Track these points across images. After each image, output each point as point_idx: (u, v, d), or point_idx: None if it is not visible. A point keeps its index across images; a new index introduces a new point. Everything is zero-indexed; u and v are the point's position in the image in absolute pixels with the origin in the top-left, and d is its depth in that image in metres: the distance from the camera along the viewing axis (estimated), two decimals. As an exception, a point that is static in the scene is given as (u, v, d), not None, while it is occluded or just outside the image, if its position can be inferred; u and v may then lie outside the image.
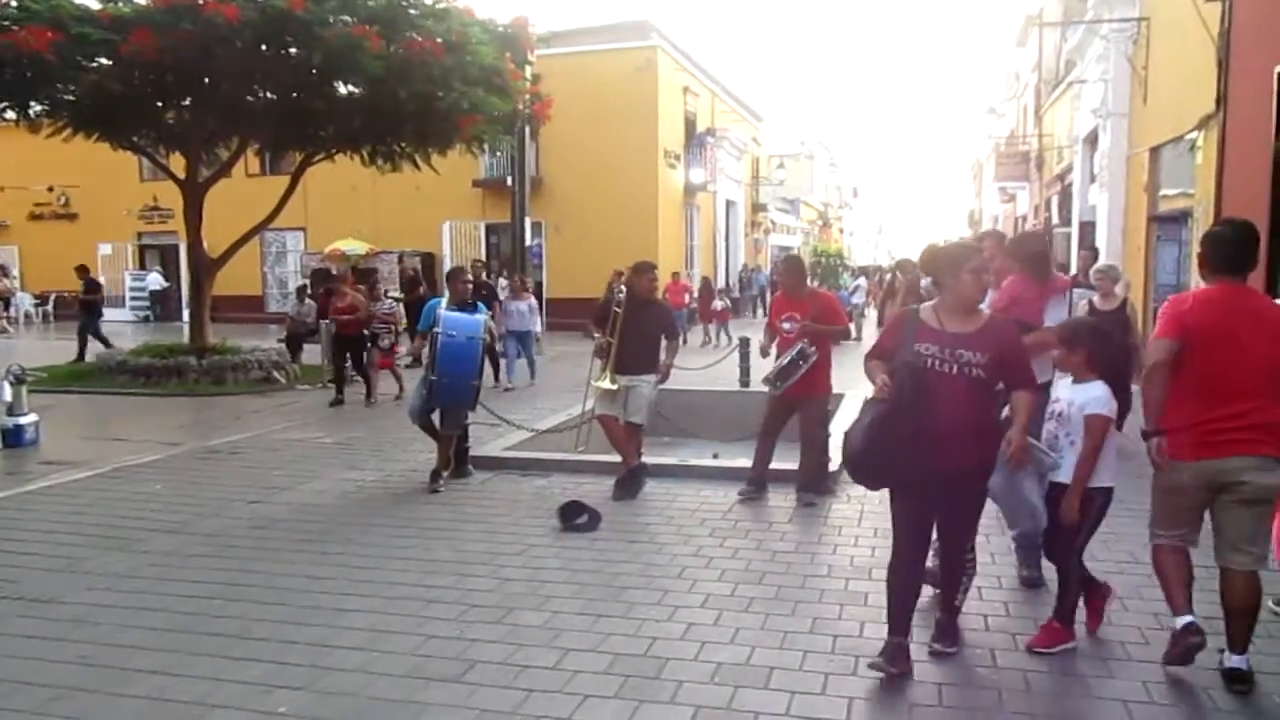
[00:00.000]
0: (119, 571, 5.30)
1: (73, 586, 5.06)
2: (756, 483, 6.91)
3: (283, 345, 15.03)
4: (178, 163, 14.75)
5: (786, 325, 6.69)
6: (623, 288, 7.32)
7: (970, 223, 58.35)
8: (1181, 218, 12.10)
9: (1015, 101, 32.60)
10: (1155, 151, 13.23)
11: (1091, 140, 16.89)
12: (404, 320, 17.79)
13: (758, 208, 36.86)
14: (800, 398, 6.71)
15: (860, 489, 6.73)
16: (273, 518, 6.45)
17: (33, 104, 13.18)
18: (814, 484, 6.79)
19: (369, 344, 12.09)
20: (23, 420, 9.11)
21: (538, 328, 14.29)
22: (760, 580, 5.16)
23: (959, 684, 3.87)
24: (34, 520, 6.42)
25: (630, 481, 7.06)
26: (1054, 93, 23.47)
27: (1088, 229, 16.92)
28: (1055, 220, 22.68)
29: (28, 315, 27.71)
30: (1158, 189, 13.29)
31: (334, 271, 23.98)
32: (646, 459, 7.36)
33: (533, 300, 13.90)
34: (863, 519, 6.35)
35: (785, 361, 6.64)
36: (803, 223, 46.98)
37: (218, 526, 6.22)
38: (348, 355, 12.01)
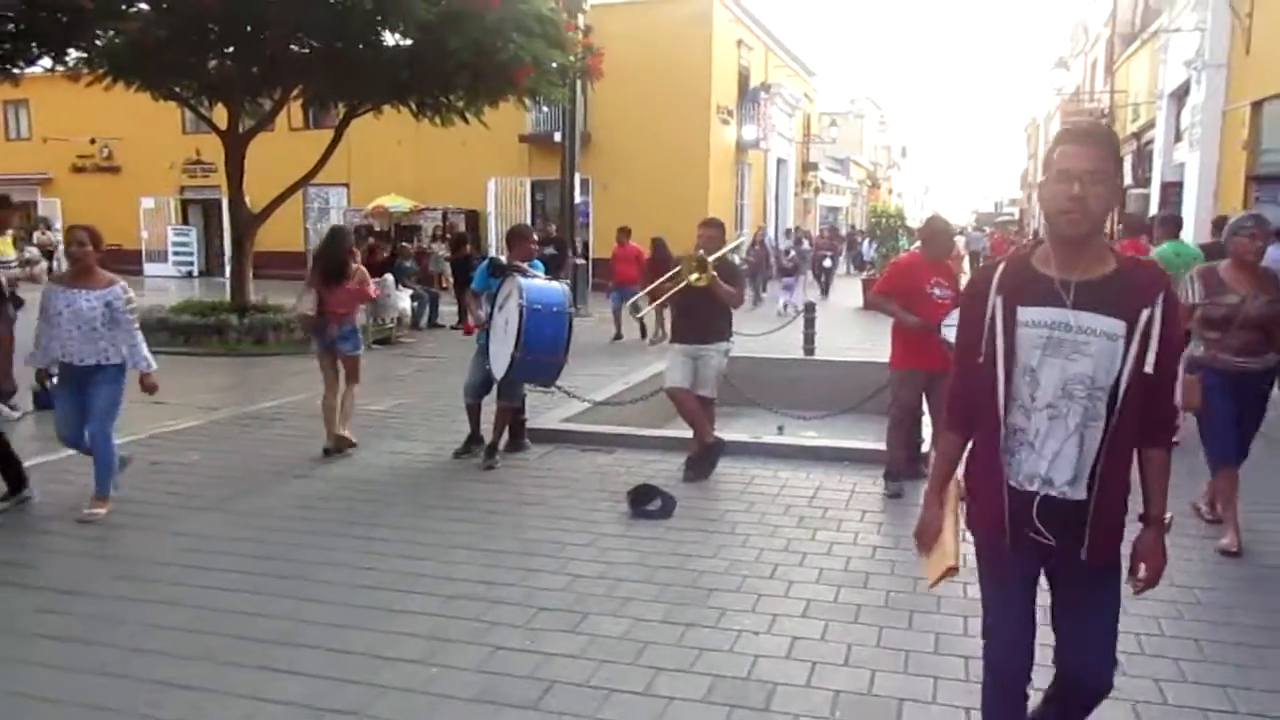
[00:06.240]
0: (149, 557, 4.81)
1: (98, 575, 4.56)
2: (904, 477, 6.15)
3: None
4: (220, 114, 14.27)
5: (938, 291, 5.96)
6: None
7: (1023, 184, 56.69)
8: (1291, 178, 11.16)
9: (1083, 57, 31.14)
10: (1258, 105, 12.23)
11: (1179, 95, 15.81)
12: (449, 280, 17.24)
13: (808, 167, 35.80)
14: (939, 372, 5.97)
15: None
16: (318, 495, 5.94)
17: (70, 51, 12.71)
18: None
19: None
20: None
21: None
22: (865, 584, 4.54)
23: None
24: (59, 496, 5.84)
25: (703, 460, 6.46)
26: (1131, 45, 22.20)
27: (1172, 189, 15.89)
28: (1129, 181, 21.53)
29: (72, 269, 27.60)
30: (1260, 147, 12.29)
31: (377, 228, 23.56)
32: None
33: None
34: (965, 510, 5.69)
35: None
36: (852, 182, 45.84)
37: (259, 505, 5.71)
38: None
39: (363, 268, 7.21)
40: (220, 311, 13.36)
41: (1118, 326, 2.23)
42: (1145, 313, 2.22)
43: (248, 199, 14.24)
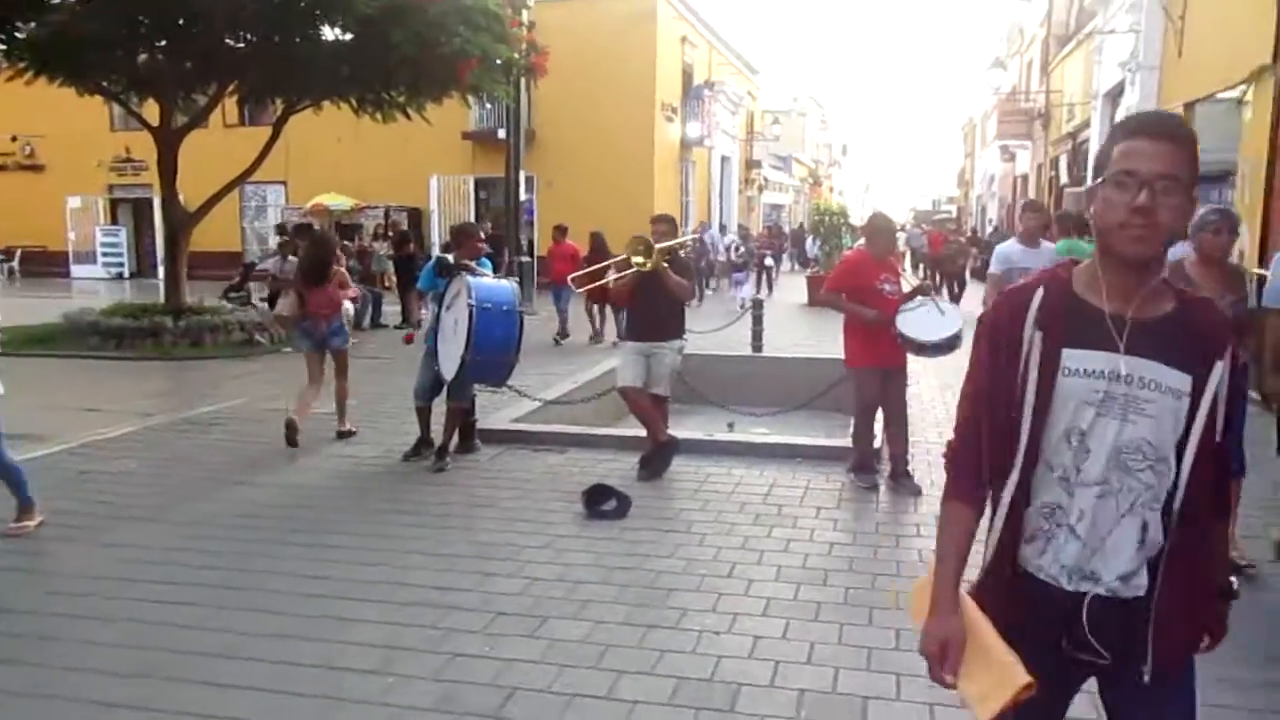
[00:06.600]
0: (82, 571, 4.59)
1: (25, 591, 4.34)
2: (876, 470, 6.20)
3: (265, 305, 14.22)
4: (151, 110, 13.81)
5: (887, 288, 5.98)
6: None
7: (960, 182, 57.69)
8: (1223, 177, 11.45)
9: (1019, 58, 31.76)
10: (1190, 107, 12.53)
11: (1114, 96, 16.18)
12: (391, 279, 16.98)
13: (751, 164, 36.00)
14: (895, 368, 6.06)
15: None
16: (262, 502, 5.74)
17: (-11, 43, 12.22)
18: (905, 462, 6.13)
19: None
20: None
21: None
22: (824, 581, 4.51)
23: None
24: (-11, 505, 5.65)
25: (657, 458, 6.39)
26: (1066, 46, 22.69)
27: (1107, 188, 16.26)
28: (1065, 180, 22.01)
29: (-8, 272, 26.62)
30: (1192, 146, 12.62)
31: (316, 227, 23.09)
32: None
33: None
34: (918, 505, 5.71)
35: (955, 328, 5.63)
36: (795, 180, 46.22)
37: (198, 514, 5.50)
38: None
39: (343, 270, 7.71)
40: (154, 314, 12.92)
41: (1184, 381, 1.73)
42: (1219, 367, 1.74)
43: (182, 197, 13.82)
